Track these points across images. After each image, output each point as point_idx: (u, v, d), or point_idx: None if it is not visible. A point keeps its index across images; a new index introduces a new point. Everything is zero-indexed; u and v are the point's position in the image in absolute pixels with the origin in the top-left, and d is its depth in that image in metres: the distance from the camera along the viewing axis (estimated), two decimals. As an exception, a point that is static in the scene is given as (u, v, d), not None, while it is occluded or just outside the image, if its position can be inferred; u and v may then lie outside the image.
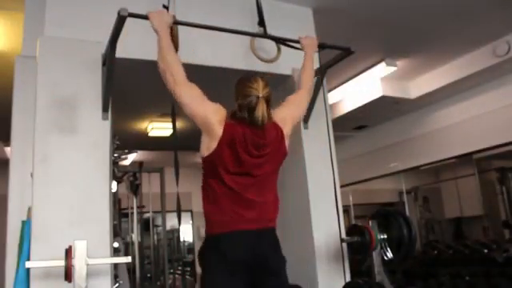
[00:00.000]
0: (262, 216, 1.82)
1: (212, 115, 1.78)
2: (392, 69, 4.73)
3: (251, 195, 1.80)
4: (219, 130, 1.76)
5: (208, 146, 1.79)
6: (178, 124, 2.85)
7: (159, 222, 6.48)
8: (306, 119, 2.95)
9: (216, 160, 1.78)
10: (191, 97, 1.81)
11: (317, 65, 2.94)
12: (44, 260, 1.92)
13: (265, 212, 1.84)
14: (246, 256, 1.75)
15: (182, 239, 8.34)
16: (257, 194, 1.82)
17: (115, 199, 4.24)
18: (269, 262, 1.79)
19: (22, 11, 2.77)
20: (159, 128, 5.02)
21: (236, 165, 1.78)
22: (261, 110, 1.77)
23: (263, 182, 1.85)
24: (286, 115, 1.98)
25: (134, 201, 5.51)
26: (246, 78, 1.85)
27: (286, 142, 1.94)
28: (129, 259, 2.11)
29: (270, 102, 1.84)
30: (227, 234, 1.77)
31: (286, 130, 1.95)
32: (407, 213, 6.22)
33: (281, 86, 2.98)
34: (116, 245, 3.18)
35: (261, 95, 1.77)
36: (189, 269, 7.80)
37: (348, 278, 2.79)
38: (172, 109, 2.42)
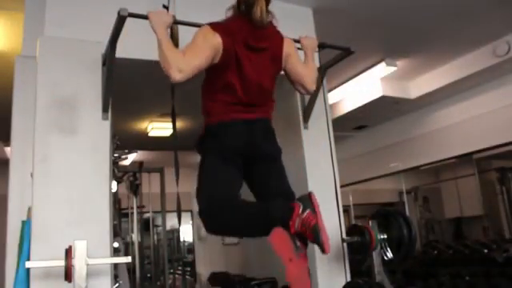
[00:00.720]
0: (257, 107, 1.86)
1: (211, 40, 1.77)
2: (392, 69, 4.73)
3: (249, 90, 1.82)
4: (219, 39, 1.76)
5: (216, 54, 1.79)
6: (178, 124, 2.85)
7: (159, 222, 6.48)
8: (305, 119, 2.95)
9: (222, 62, 1.79)
10: (197, 55, 1.76)
11: (317, 65, 2.93)
12: (44, 260, 1.92)
13: (262, 102, 1.89)
14: (242, 144, 1.80)
15: (181, 239, 8.34)
16: (255, 85, 1.84)
17: (115, 199, 4.24)
18: (264, 150, 1.85)
19: (22, 11, 2.78)
20: (159, 128, 5.02)
21: (237, 60, 1.80)
22: (259, 7, 1.79)
23: (261, 76, 1.87)
24: (294, 54, 2.01)
25: (134, 201, 5.50)
26: None
27: (283, 55, 1.95)
28: (129, 259, 2.11)
29: (269, 1, 1.86)
30: (224, 122, 1.81)
31: (286, 48, 1.96)
32: (407, 213, 6.22)
33: (281, 86, 2.97)
34: (116, 245, 3.18)
35: None
36: (189, 269, 7.81)
37: (348, 278, 2.79)
38: (172, 109, 2.41)
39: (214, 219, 1.76)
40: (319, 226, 1.55)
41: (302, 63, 2.09)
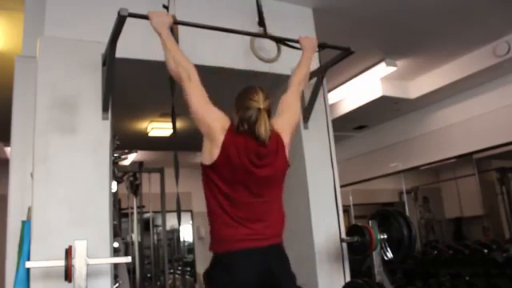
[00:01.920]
0: (269, 231, 1.78)
1: (216, 122, 1.76)
2: (392, 69, 4.73)
3: (257, 208, 1.77)
4: (221, 137, 1.74)
5: (210, 152, 1.76)
6: (178, 124, 2.85)
7: (159, 222, 6.48)
8: (305, 119, 2.95)
9: (218, 168, 1.75)
10: (200, 98, 1.79)
11: (317, 65, 2.94)
12: (44, 260, 1.92)
13: (272, 227, 1.80)
14: (255, 275, 1.70)
15: (182, 239, 8.35)
16: (262, 207, 1.78)
17: (115, 199, 4.24)
18: (278, 280, 1.74)
19: (21, 11, 2.77)
20: (159, 128, 5.01)
21: (239, 174, 1.74)
22: (263, 124, 1.74)
23: (268, 194, 1.81)
24: (285, 124, 1.94)
25: (134, 201, 5.50)
26: (245, 90, 1.83)
27: (287, 151, 1.91)
28: (129, 259, 2.10)
29: (270, 114, 1.82)
30: (235, 252, 1.71)
31: (286, 140, 1.91)
32: (407, 213, 6.22)
33: (281, 86, 2.97)
34: (116, 245, 3.17)
35: (262, 107, 1.75)
36: (189, 269, 7.81)
37: (348, 278, 2.79)
38: (172, 109, 2.41)
39: None
40: None
41: (288, 107, 2.03)
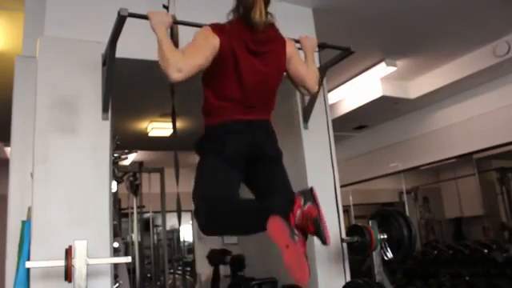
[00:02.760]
0: (258, 108, 1.86)
1: (211, 40, 1.76)
2: (392, 69, 4.73)
3: (251, 89, 1.81)
4: (217, 40, 1.76)
5: (212, 53, 1.77)
6: (178, 124, 2.85)
7: (159, 222, 6.48)
8: (305, 119, 2.95)
9: (219, 63, 1.78)
10: (197, 54, 1.76)
11: (317, 65, 2.93)
12: (44, 260, 1.91)
13: (263, 105, 1.88)
14: (244, 144, 1.79)
15: (181, 239, 8.34)
16: (256, 89, 1.84)
17: (115, 199, 4.24)
18: (266, 151, 1.85)
19: (21, 11, 2.78)
20: (159, 128, 5.02)
21: (236, 64, 1.78)
22: (258, 10, 1.77)
23: (263, 79, 1.86)
24: (296, 55, 2.00)
25: (134, 201, 5.50)
26: None
27: (286, 58, 1.94)
28: (129, 259, 2.10)
29: (269, 2, 1.85)
30: (225, 123, 1.80)
31: (289, 49, 1.95)
32: (407, 213, 6.22)
33: (280, 85, 2.97)
34: (116, 245, 3.17)
35: None
36: (189, 269, 7.80)
37: (348, 278, 2.79)
38: (172, 109, 2.41)
39: (211, 218, 1.73)
40: (321, 218, 1.56)
41: (304, 64, 2.08)
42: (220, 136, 1.80)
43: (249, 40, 1.80)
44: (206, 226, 1.75)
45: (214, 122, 1.84)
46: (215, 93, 1.84)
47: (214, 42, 1.77)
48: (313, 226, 1.55)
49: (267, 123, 1.92)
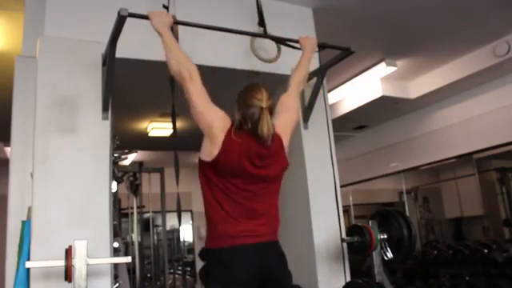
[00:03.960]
0: (265, 228, 1.79)
1: (217, 121, 1.76)
2: (392, 69, 4.73)
3: (254, 206, 1.77)
4: (221, 137, 1.74)
5: (210, 151, 1.75)
6: (178, 124, 2.85)
7: (159, 222, 6.48)
8: (305, 119, 2.95)
9: (217, 167, 1.75)
10: (201, 97, 1.78)
11: (317, 65, 2.94)
12: (44, 260, 1.92)
13: (268, 224, 1.81)
14: (252, 271, 1.70)
15: (182, 239, 8.34)
16: (260, 205, 1.79)
17: (115, 199, 4.24)
18: (275, 277, 1.75)
19: (21, 11, 2.77)
20: (159, 128, 5.01)
21: (238, 174, 1.75)
22: (266, 124, 1.73)
23: (266, 193, 1.82)
24: (286, 124, 1.94)
25: (134, 201, 5.50)
26: (248, 88, 1.82)
27: (286, 152, 1.91)
28: (129, 259, 2.10)
29: (272, 113, 1.82)
30: (232, 249, 1.72)
31: (285, 140, 1.91)
32: (407, 213, 6.22)
33: (281, 85, 2.97)
34: (116, 245, 3.18)
35: (264, 106, 1.74)
36: (189, 269, 7.81)
37: (348, 278, 2.79)
38: (172, 109, 2.41)
39: None
40: None
41: (287, 107, 2.02)
42: (226, 262, 1.70)
43: (255, 156, 1.76)
44: None
45: (216, 245, 1.76)
46: (216, 205, 1.77)
47: (217, 131, 1.74)
48: None
49: (276, 245, 1.84)
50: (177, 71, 1.84)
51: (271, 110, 1.80)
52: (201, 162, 1.81)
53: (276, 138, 1.84)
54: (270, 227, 1.82)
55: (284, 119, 1.95)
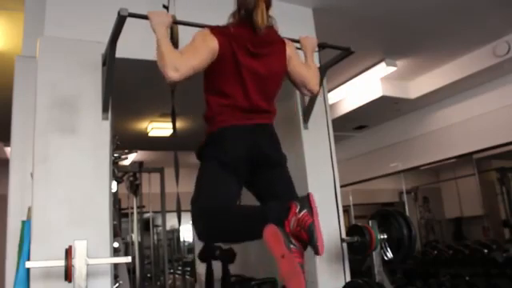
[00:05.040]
0: (260, 110, 1.84)
1: (208, 42, 1.77)
2: (392, 69, 4.73)
3: (252, 92, 1.81)
4: (215, 42, 1.76)
5: (212, 55, 1.78)
6: (178, 124, 2.85)
7: (159, 222, 6.48)
8: (305, 119, 2.95)
9: (218, 65, 1.78)
10: (194, 56, 1.76)
11: (317, 65, 2.93)
12: (44, 260, 1.91)
13: (264, 108, 1.86)
14: (246, 150, 1.77)
15: (182, 239, 8.34)
16: (257, 91, 1.82)
17: (115, 199, 4.24)
18: (270, 156, 1.82)
19: (21, 11, 2.77)
20: (159, 128, 5.02)
21: (236, 66, 1.78)
22: (260, 12, 1.77)
23: (263, 82, 1.85)
24: (295, 56, 1.99)
25: (134, 201, 5.51)
26: None
27: (286, 57, 1.94)
28: (129, 259, 2.10)
29: (270, 6, 1.85)
30: (226, 129, 1.78)
31: (289, 51, 1.95)
32: (407, 213, 6.22)
33: (281, 86, 2.97)
34: (116, 245, 3.17)
35: None
36: (189, 269, 7.80)
37: (348, 278, 2.79)
38: (172, 109, 2.41)
39: (207, 226, 1.72)
40: (315, 226, 1.49)
41: (304, 65, 2.07)
42: (220, 142, 1.78)
43: (248, 42, 1.80)
44: (202, 233, 1.75)
45: (214, 128, 1.83)
46: (216, 97, 1.84)
47: (213, 43, 1.77)
48: (306, 235, 1.48)
49: (269, 127, 1.90)
50: (161, 69, 1.75)
51: (268, 2, 1.84)
52: (205, 72, 1.83)
53: (280, 40, 1.92)
54: (265, 111, 1.87)
55: (298, 60, 2.02)
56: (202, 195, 1.77)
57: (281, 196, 1.80)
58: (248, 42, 1.80)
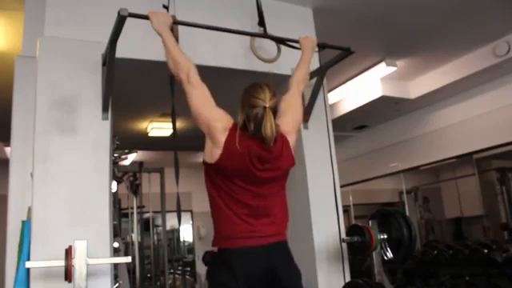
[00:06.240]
0: (272, 228, 1.77)
1: (217, 122, 1.74)
2: (392, 69, 4.73)
3: (260, 205, 1.76)
4: (222, 138, 1.72)
5: (211, 152, 1.75)
6: (178, 124, 2.85)
7: (159, 222, 6.48)
8: (305, 119, 2.95)
9: (220, 169, 1.74)
10: (201, 98, 1.78)
11: (317, 65, 2.94)
12: (44, 260, 1.92)
13: (275, 224, 1.79)
14: (258, 272, 1.69)
15: (182, 239, 8.35)
16: (265, 204, 1.78)
17: (115, 199, 4.24)
18: (282, 277, 1.73)
19: (21, 11, 2.77)
20: (159, 128, 5.02)
21: (242, 176, 1.74)
22: (269, 124, 1.70)
23: (272, 193, 1.81)
24: (289, 124, 1.92)
25: (134, 201, 5.51)
26: (252, 87, 1.79)
27: (293, 152, 1.89)
28: (129, 259, 2.11)
29: (276, 113, 1.80)
30: (237, 250, 1.71)
31: (292, 140, 1.89)
32: (407, 213, 6.22)
33: (281, 85, 2.97)
34: (116, 245, 3.18)
35: (268, 105, 1.71)
36: (189, 269, 7.81)
37: (348, 278, 2.79)
38: (172, 109, 2.41)
39: None
40: None
41: (289, 106, 2.00)
42: (230, 264, 1.69)
43: (257, 157, 1.74)
44: None
45: (223, 245, 1.75)
46: (222, 207, 1.76)
47: (219, 133, 1.73)
48: None
49: (283, 245, 1.82)
50: (175, 73, 1.85)
51: (275, 110, 1.78)
52: (204, 163, 1.80)
53: (280, 139, 1.82)
54: (276, 227, 1.80)
55: (288, 118, 1.93)
56: None
57: None
58: (256, 158, 1.73)
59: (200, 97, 1.79)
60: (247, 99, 1.77)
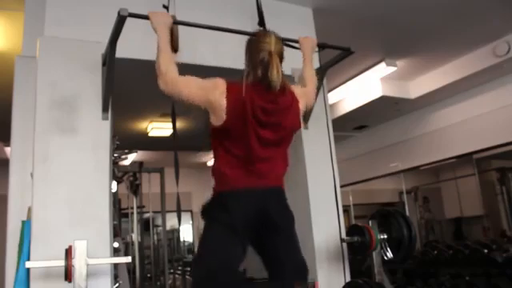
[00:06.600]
0: (270, 175, 1.81)
1: (212, 93, 1.74)
2: (392, 69, 4.74)
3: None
4: (223, 102, 1.72)
5: (216, 116, 1.76)
6: (178, 124, 2.86)
7: (159, 222, 6.48)
8: (305, 119, 2.95)
9: (226, 129, 1.76)
10: (188, 88, 1.76)
11: (317, 65, 2.94)
12: (44, 260, 1.92)
13: (274, 170, 1.83)
14: (253, 214, 1.74)
15: (182, 239, 8.35)
16: (267, 167, 1.80)
17: (115, 199, 4.24)
18: (276, 220, 1.78)
19: (21, 11, 2.78)
20: (159, 128, 5.02)
21: (245, 138, 1.75)
22: (275, 68, 1.71)
23: (274, 158, 1.83)
24: (303, 93, 1.96)
25: (134, 201, 5.51)
26: (257, 34, 1.82)
27: (300, 115, 1.92)
28: (129, 259, 2.11)
29: (282, 60, 1.81)
30: (234, 192, 1.75)
31: (302, 103, 1.92)
32: (407, 213, 6.22)
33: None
34: (116, 245, 3.18)
35: (273, 49, 1.74)
36: (189, 269, 7.80)
37: (348, 278, 2.79)
38: (172, 109, 2.42)
39: None
40: None
41: (305, 90, 2.04)
42: (227, 205, 1.74)
43: (260, 111, 1.74)
44: None
45: (222, 189, 1.80)
46: (225, 156, 1.80)
47: (218, 100, 1.73)
48: None
49: (279, 190, 1.87)
50: (158, 74, 1.80)
51: (281, 55, 1.80)
52: (212, 128, 1.82)
53: (290, 95, 1.84)
54: (274, 173, 1.84)
55: (301, 89, 1.99)
56: (206, 256, 1.76)
57: (287, 261, 1.80)
58: (259, 110, 1.74)
59: (186, 87, 1.76)
60: (253, 45, 1.80)
